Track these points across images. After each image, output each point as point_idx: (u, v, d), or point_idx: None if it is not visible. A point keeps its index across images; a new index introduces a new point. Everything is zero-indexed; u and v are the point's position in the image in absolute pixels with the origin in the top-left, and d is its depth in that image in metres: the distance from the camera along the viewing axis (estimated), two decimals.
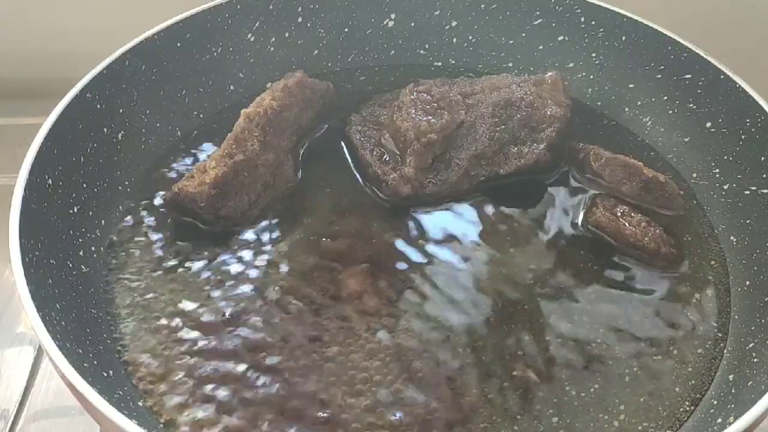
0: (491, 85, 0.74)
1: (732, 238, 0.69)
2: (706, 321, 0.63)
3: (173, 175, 0.71)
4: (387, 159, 0.71)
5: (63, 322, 0.54)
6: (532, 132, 0.71)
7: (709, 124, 0.73)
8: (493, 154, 0.70)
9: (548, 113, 0.72)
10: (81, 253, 0.62)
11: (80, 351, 0.54)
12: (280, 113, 0.70)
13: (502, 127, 0.71)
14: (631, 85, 0.79)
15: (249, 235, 0.66)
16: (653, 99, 0.78)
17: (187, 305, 0.61)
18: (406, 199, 0.69)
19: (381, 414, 0.55)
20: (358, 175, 0.72)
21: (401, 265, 0.65)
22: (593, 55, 0.80)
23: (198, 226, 0.66)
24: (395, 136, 0.70)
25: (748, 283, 0.65)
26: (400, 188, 0.68)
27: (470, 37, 0.84)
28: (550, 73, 0.75)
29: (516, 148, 0.71)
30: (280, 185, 0.70)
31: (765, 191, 0.68)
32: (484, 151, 0.70)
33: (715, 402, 0.57)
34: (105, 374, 0.55)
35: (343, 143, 0.74)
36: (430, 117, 0.69)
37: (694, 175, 0.74)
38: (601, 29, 0.79)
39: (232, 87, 0.78)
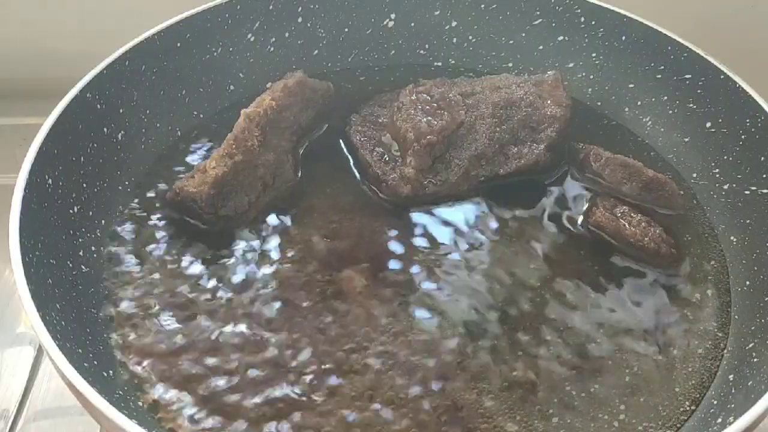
0: (491, 85, 0.74)
1: (732, 238, 0.69)
2: (706, 321, 0.63)
3: (173, 175, 0.70)
4: (387, 159, 0.71)
5: (63, 322, 0.54)
6: (532, 132, 0.71)
7: (709, 124, 0.73)
8: (493, 155, 0.70)
9: (548, 113, 0.72)
10: (81, 253, 0.62)
11: (80, 351, 0.54)
12: (280, 113, 0.70)
13: (503, 127, 0.71)
14: (631, 85, 0.79)
15: (249, 235, 0.66)
16: (653, 99, 0.78)
17: (187, 305, 0.61)
18: (406, 199, 0.69)
19: (381, 414, 0.55)
20: (358, 175, 0.72)
21: (401, 265, 0.65)
22: (593, 55, 0.80)
23: (198, 226, 0.66)
24: (395, 137, 0.71)
25: (748, 283, 0.65)
26: (399, 188, 0.68)
27: (470, 37, 0.84)
28: (550, 73, 0.75)
29: (516, 149, 0.71)
30: (280, 185, 0.70)
31: (765, 191, 0.68)
32: (484, 151, 0.70)
33: (715, 402, 0.57)
34: (105, 374, 0.55)
35: (342, 143, 0.74)
36: (430, 118, 0.69)
37: (694, 175, 0.74)
38: (601, 29, 0.79)
39: (232, 87, 0.78)
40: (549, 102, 0.72)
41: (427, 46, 0.84)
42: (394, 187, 0.69)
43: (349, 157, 0.73)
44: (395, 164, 0.70)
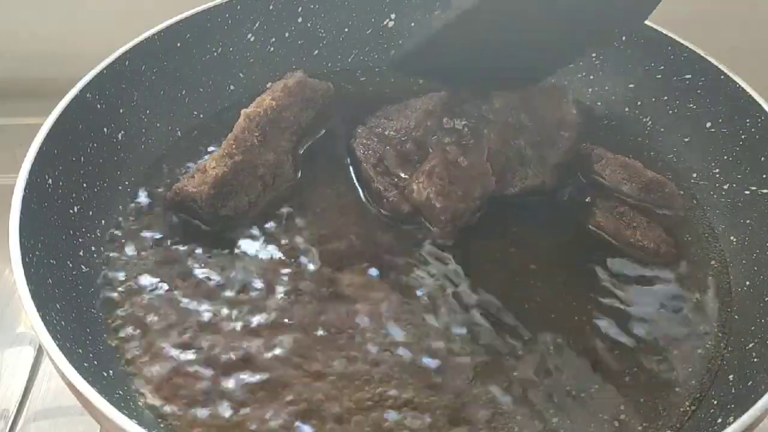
0: (495, 103, 0.71)
1: (732, 238, 0.69)
2: (706, 321, 0.63)
3: (173, 175, 0.71)
4: (390, 175, 0.69)
5: (63, 322, 0.55)
6: (540, 149, 0.70)
7: (709, 124, 0.73)
8: (500, 175, 0.68)
9: (556, 133, 0.70)
10: (81, 253, 0.62)
11: (80, 351, 0.54)
12: (280, 113, 0.70)
13: (508, 146, 0.69)
14: (631, 85, 0.79)
15: (249, 235, 0.66)
16: (653, 99, 0.78)
17: (187, 305, 0.61)
18: (407, 215, 0.67)
19: (381, 413, 0.55)
20: (360, 189, 0.70)
21: (402, 266, 0.64)
22: (593, 55, 0.80)
23: (198, 226, 0.66)
24: (420, 196, 0.67)
25: (748, 283, 0.65)
26: (401, 205, 0.68)
27: None
28: (553, 82, 0.74)
29: (522, 169, 0.69)
30: (280, 185, 0.70)
31: (765, 191, 0.68)
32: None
33: (715, 402, 0.57)
34: (105, 374, 0.55)
35: (347, 156, 0.73)
36: (461, 203, 0.66)
37: (694, 175, 0.74)
38: None
39: (232, 87, 0.78)
40: (557, 119, 0.71)
41: None
42: (396, 203, 0.68)
43: (352, 170, 0.72)
44: (398, 180, 0.69)
